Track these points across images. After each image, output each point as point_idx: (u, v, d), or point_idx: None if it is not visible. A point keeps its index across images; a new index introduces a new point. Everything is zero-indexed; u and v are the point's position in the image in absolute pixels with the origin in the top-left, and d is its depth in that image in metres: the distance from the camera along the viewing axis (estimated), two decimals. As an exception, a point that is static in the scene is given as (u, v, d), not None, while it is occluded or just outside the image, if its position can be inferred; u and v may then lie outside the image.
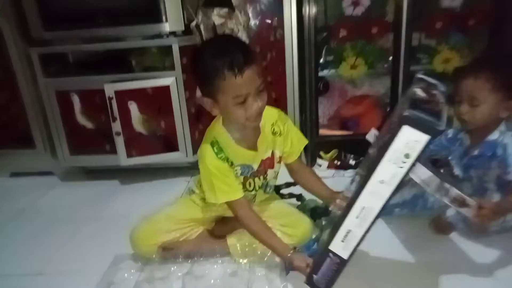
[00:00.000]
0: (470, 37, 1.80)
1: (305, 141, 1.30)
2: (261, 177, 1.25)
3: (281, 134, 1.23)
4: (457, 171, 1.37)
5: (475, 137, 1.29)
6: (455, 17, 1.78)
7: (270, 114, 1.21)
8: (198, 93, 1.14)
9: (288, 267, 1.15)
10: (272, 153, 1.24)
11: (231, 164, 1.16)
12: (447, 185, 1.02)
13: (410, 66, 1.79)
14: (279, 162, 1.28)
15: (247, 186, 1.24)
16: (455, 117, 1.28)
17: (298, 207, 1.48)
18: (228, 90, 1.02)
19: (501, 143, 1.22)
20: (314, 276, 1.05)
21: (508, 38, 1.70)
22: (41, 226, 1.62)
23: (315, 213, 1.44)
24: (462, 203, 1.03)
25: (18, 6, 1.77)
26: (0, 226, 1.63)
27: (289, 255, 1.12)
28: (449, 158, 1.39)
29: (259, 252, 1.22)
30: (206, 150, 1.14)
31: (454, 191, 1.02)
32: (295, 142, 1.27)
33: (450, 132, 1.39)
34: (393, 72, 1.83)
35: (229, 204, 1.18)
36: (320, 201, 1.53)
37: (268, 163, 1.24)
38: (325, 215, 1.45)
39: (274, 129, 1.22)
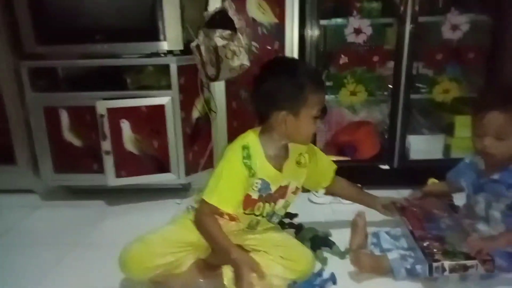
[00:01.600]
0: (468, 70, 1.82)
1: (334, 166, 1.40)
2: (272, 204, 1.24)
3: (305, 166, 1.25)
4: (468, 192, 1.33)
5: (491, 162, 1.25)
6: (454, 50, 1.79)
7: (295, 145, 1.24)
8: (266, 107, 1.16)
9: None
10: (288, 183, 1.23)
11: (252, 175, 1.15)
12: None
13: (410, 95, 1.79)
14: (294, 193, 1.27)
15: (256, 210, 1.21)
16: (477, 151, 1.24)
17: (297, 237, 1.42)
18: (310, 103, 1.11)
19: None
20: None
21: (507, 71, 1.72)
22: (22, 251, 1.50)
23: (315, 243, 1.38)
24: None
25: (12, 18, 1.70)
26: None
27: (235, 256, 1.08)
28: (462, 180, 1.35)
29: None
30: (235, 150, 1.16)
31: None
32: (326, 167, 1.37)
33: (467, 158, 1.36)
34: (393, 99, 1.82)
35: (205, 207, 1.14)
36: (319, 230, 1.48)
37: (282, 192, 1.23)
38: (325, 245, 1.40)
39: (299, 160, 1.24)
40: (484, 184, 1.26)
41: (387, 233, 1.37)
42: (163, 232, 1.25)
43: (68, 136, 1.81)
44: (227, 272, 1.17)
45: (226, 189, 1.13)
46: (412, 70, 1.79)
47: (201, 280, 1.18)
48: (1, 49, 1.75)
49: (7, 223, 1.71)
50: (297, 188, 1.27)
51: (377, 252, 1.30)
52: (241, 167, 1.13)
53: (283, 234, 1.33)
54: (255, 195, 1.19)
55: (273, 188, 1.21)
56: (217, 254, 1.25)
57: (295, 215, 1.57)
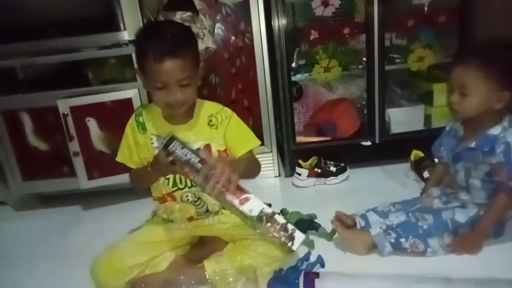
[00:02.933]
0: (442, 34, 1.77)
1: (255, 141, 1.21)
2: None
3: (218, 127, 1.17)
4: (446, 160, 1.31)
5: (469, 128, 1.23)
6: (425, 15, 1.75)
7: (211, 106, 1.20)
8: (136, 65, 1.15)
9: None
10: (207, 146, 1.15)
11: (143, 130, 1.16)
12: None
13: (384, 66, 1.74)
14: (222, 157, 1.17)
15: (178, 183, 1.16)
16: (447, 107, 1.22)
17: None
18: (149, 72, 1.05)
19: (503, 139, 1.15)
20: None
21: (479, 31, 1.68)
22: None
23: (300, 226, 1.31)
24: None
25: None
26: None
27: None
28: (441, 148, 1.32)
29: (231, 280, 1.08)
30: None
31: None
32: (240, 138, 1.19)
33: (448, 126, 1.33)
34: (368, 73, 1.77)
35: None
36: (303, 214, 1.43)
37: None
38: (311, 228, 1.35)
39: (211, 120, 1.17)
40: (461, 152, 1.23)
41: (374, 211, 1.32)
42: (130, 237, 1.21)
43: (33, 140, 1.71)
44: (209, 265, 1.11)
45: (125, 147, 1.19)
46: (385, 41, 1.74)
47: (182, 277, 1.11)
48: None
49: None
50: (219, 151, 1.17)
51: None
52: (132, 124, 1.18)
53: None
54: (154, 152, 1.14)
55: None
56: (197, 251, 1.20)
57: (269, 205, 1.49)
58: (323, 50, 1.75)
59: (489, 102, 1.14)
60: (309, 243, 1.28)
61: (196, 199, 1.18)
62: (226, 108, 1.19)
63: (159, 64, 1.01)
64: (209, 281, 1.09)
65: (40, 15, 1.61)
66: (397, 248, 1.17)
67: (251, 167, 1.19)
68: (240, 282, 1.04)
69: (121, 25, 1.60)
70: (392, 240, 1.17)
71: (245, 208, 1.01)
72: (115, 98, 1.63)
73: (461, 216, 1.19)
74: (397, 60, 1.82)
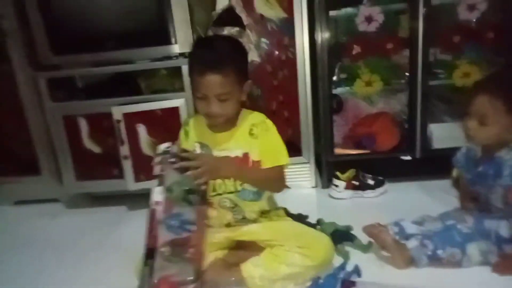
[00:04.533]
0: (489, 51, 1.74)
1: (283, 159, 1.21)
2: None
3: (258, 137, 1.19)
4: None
5: (486, 150, 1.22)
6: (472, 31, 1.72)
7: (255, 116, 1.24)
8: None
9: None
10: (246, 154, 1.19)
11: (187, 136, 1.26)
12: None
13: (428, 81, 1.73)
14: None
15: (217, 188, 1.21)
16: (463, 129, 1.22)
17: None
18: (193, 82, 1.14)
19: (509, 162, 1.14)
20: None
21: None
22: (44, 256, 1.53)
23: (336, 237, 1.34)
24: None
25: (27, 30, 1.75)
26: (4, 256, 1.56)
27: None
28: (463, 170, 1.33)
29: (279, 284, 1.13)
30: None
31: None
32: (270, 152, 1.20)
33: (464, 147, 1.32)
34: (411, 87, 1.77)
35: None
36: (340, 225, 1.44)
37: (239, 162, 1.19)
38: (347, 239, 1.36)
39: (252, 129, 1.20)
40: (475, 176, 1.24)
41: (410, 221, 1.32)
42: None
43: (88, 143, 1.85)
44: (246, 267, 1.16)
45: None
46: (429, 56, 1.73)
47: (221, 277, 1.16)
48: (19, 62, 1.80)
49: (30, 231, 1.76)
50: (255, 162, 1.20)
51: (402, 240, 1.25)
52: (182, 133, 1.28)
53: (293, 223, 1.31)
54: None
55: (216, 153, 1.19)
56: (234, 253, 1.26)
57: (306, 217, 1.52)
58: (365, 64, 1.77)
59: (506, 135, 1.14)
60: (344, 254, 1.29)
61: (233, 205, 1.23)
62: (268, 120, 1.23)
63: (200, 76, 1.09)
64: (252, 282, 1.14)
65: (99, 28, 1.76)
66: (434, 260, 1.16)
67: (268, 181, 1.21)
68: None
69: (173, 39, 1.71)
70: (429, 253, 1.17)
71: None
72: (164, 106, 1.74)
73: (505, 231, 1.16)
74: (441, 76, 1.79)
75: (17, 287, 1.34)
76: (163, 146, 1.08)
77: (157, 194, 1.03)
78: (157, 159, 1.07)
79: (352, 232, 1.41)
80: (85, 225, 1.79)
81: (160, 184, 1.04)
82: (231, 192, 1.22)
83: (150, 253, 0.99)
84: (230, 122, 1.20)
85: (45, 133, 1.88)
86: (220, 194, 1.23)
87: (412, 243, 1.20)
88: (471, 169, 1.27)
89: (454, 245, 1.16)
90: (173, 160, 1.06)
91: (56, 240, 1.68)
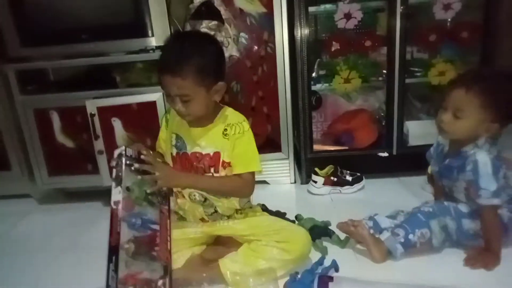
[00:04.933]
0: (464, 49, 1.78)
1: (254, 166, 1.17)
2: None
3: (230, 138, 1.17)
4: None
5: (453, 145, 1.27)
6: (448, 30, 1.76)
7: (232, 116, 1.20)
8: None
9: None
10: (216, 153, 1.17)
11: (166, 126, 1.26)
12: None
13: (405, 79, 1.76)
14: (225, 168, 1.18)
15: None
16: (436, 123, 1.24)
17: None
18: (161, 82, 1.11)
19: (472, 157, 1.17)
20: None
21: (502, 48, 1.68)
22: (15, 257, 1.48)
23: (314, 232, 1.34)
24: None
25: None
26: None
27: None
28: (432, 163, 1.38)
29: (251, 281, 1.11)
30: None
31: None
32: (241, 157, 1.17)
33: (439, 138, 1.35)
34: (388, 85, 1.79)
35: None
36: (318, 220, 1.45)
37: (209, 161, 1.18)
38: (325, 234, 1.37)
39: (226, 130, 1.18)
40: (441, 169, 1.29)
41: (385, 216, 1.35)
42: None
43: (61, 138, 1.79)
44: (224, 264, 1.15)
45: (160, 141, 1.29)
46: (406, 54, 1.75)
47: (204, 274, 1.14)
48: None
49: (0, 230, 1.69)
50: (225, 163, 1.18)
51: (376, 234, 1.27)
52: (163, 117, 1.29)
53: (270, 218, 1.30)
54: (174, 151, 1.21)
55: (189, 148, 1.19)
56: (213, 250, 1.25)
57: (284, 214, 1.51)
58: (344, 61, 1.78)
59: (478, 130, 1.17)
60: (322, 249, 1.30)
61: (203, 200, 1.21)
62: (244, 123, 1.19)
63: (161, 75, 1.08)
64: (228, 279, 1.12)
65: (72, 20, 1.70)
66: (408, 246, 1.19)
67: (232, 190, 1.19)
68: (260, 284, 1.07)
69: (149, 31, 1.67)
70: (402, 240, 1.19)
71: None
72: (140, 100, 1.70)
73: (464, 207, 1.22)
74: (418, 74, 1.83)
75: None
76: (117, 151, 1.07)
77: (116, 194, 1.01)
78: (113, 163, 1.05)
79: (330, 227, 1.41)
80: (59, 223, 1.73)
81: (118, 185, 1.02)
82: None
83: (114, 250, 0.97)
84: (206, 118, 1.18)
85: (14, 127, 1.81)
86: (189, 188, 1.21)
87: (385, 235, 1.23)
88: (439, 162, 1.32)
89: (421, 225, 1.20)
90: (129, 162, 1.05)
91: (27, 238, 1.62)
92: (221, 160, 1.17)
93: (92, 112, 1.67)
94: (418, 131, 1.86)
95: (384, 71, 1.81)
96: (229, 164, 1.18)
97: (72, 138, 1.78)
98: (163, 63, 1.08)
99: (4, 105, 1.78)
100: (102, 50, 1.71)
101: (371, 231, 1.27)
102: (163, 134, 1.27)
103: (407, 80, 1.77)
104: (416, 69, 1.84)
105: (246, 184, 1.18)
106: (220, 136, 1.17)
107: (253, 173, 1.19)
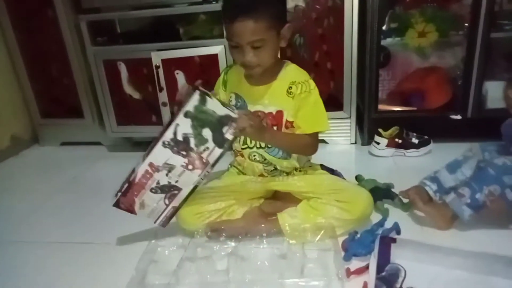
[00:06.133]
0: None
1: (322, 126, 1.15)
2: None
3: (295, 97, 1.12)
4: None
5: None
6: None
7: (297, 73, 1.15)
8: None
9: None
10: (279, 112, 1.13)
11: (225, 86, 1.23)
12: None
13: (490, 33, 1.56)
14: (288, 128, 1.15)
15: (248, 141, 1.19)
16: (504, 98, 1.10)
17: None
18: (226, 30, 1.07)
19: None
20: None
21: None
22: (87, 196, 1.61)
23: (375, 194, 1.28)
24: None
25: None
26: (49, 194, 1.64)
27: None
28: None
29: (309, 234, 1.12)
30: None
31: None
32: (308, 117, 1.13)
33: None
34: (470, 40, 1.61)
35: None
36: (380, 182, 1.40)
37: (272, 119, 1.14)
38: (387, 197, 1.32)
39: (291, 87, 1.13)
40: None
41: (445, 168, 1.26)
42: (210, 184, 1.28)
43: (128, 89, 1.86)
44: (283, 218, 1.16)
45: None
46: (494, 5, 1.55)
47: (263, 225, 1.16)
48: (63, 7, 1.79)
49: (74, 172, 1.84)
50: (288, 122, 1.14)
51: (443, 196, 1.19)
52: (220, 80, 1.24)
53: (331, 177, 1.27)
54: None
55: (250, 107, 1.15)
56: (270, 203, 1.26)
57: (333, 171, 1.44)
58: (420, 13, 1.62)
59: None
60: (384, 211, 1.26)
61: (263, 159, 1.21)
62: (310, 81, 1.14)
63: (230, 23, 1.00)
64: (287, 232, 1.14)
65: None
66: (476, 207, 1.09)
67: (299, 148, 1.17)
68: (318, 239, 1.07)
69: (213, -19, 1.63)
70: (468, 200, 1.09)
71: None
72: (202, 53, 1.70)
73: None
74: (506, 27, 1.62)
75: (61, 226, 1.41)
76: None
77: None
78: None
79: (392, 190, 1.36)
80: (125, 169, 1.83)
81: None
82: (261, 147, 1.19)
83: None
84: (269, 74, 1.13)
85: (87, 78, 1.91)
86: (250, 148, 1.20)
87: (450, 197, 1.13)
88: None
89: (490, 181, 1.08)
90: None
91: (98, 182, 1.74)
92: (284, 119, 1.14)
93: (157, 64, 1.70)
94: (499, 93, 1.67)
95: (466, 25, 1.62)
96: (291, 124, 1.15)
97: (138, 89, 1.85)
98: (232, 10, 1.01)
99: (78, 56, 1.88)
100: (166, 1, 1.71)
101: (437, 195, 1.20)
102: (222, 95, 1.23)
103: (493, 35, 1.58)
104: (505, 22, 1.63)
105: (313, 143, 1.16)
106: (284, 94, 1.13)
107: (318, 133, 1.16)
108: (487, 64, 1.63)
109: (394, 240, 0.97)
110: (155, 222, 1.16)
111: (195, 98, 1.00)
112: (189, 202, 1.19)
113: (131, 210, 1.15)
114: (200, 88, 1.00)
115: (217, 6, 1.64)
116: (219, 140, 1.05)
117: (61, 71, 1.95)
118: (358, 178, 1.45)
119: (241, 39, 1.01)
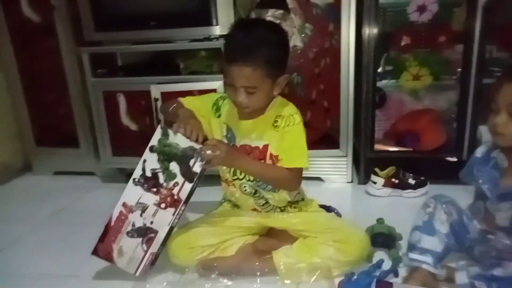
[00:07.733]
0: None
1: (301, 162, 1.11)
2: None
3: (279, 130, 1.12)
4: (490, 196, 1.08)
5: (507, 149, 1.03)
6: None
7: (284, 108, 1.14)
8: None
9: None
10: (265, 146, 1.13)
11: (218, 115, 1.20)
12: None
13: (482, 79, 1.61)
14: (274, 162, 1.13)
15: (238, 173, 1.17)
16: (489, 130, 1.03)
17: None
18: (223, 67, 1.08)
19: None
20: None
21: None
22: (76, 228, 1.57)
23: (377, 241, 1.24)
24: None
25: (73, 6, 1.78)
26: (38, 225, 1.60)
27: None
28: (480, 181, 1.10)
29: (304, 274, 1.08)
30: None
31: None
32: (288, 150, 1.11)
33: (479, 152, 1.13)
34: (462, 85, 1.65)
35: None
36: (386, 228, 1.31)
37: (258, 154, 1.14)
38: (388, 246, 1.24)
39: (276, 121, 1.12)
40: (507, 191, 1.03)
41: (421, 232, 1.11)
42: (204, 218, 1.26)
43: (125, 120, 1.87)
44: (278, 257, 1.13)
45: (197, 102, 1.25)
46: (485, 53, 1.61)
47: (257, 264, 1.13)
48: (65, 38, 1.84)
49: (65, 202, 1.80)
50: (273, 156, 1.13)
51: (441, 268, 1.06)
52: (213, 99, 1.22)
53: (328, 215, 1.26)
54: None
55: (238, 140, 1.16)
56: (265, 240, 1.23)
57: (328, 207, 1.42)
58: (414, 57, 1.67)
59: None
60: (396, 258, 1.17)
61: (253, 191, 1.19)
62: (296, 115, 1.13)
63: (228, 65, 1.03)
64: (281, 271, 1.10)
65: (143, 6, 1.76)
66: None
67: (279, 181, 1.14)
68: (313, 279, 1.03)
69: (214, 20, 1.68)
70: None
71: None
72: (201, 88, 1.72)
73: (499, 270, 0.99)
74: (497, 74, 1.67)
75: (48, 258, 1.37)
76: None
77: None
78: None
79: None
80: (117, 200, 1.80)
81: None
82: (250, 180, 1.17)
83: None
84: (259, 111, 1.13)
85: (85, 107, 1.93)
86: (240, 179, 1.19)
87: (460, 277, 1.02)
88: (497, 182, 1.05)
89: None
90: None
91: (88, 212, 1.71)
92: (268, 152, 1.14)
93: (156, 97, 1.72)
94: (493, 137, 1.70)
95: (458, 69, 1.68)
96: (276, 157, 1.14)
97: (135, 121, 1.86)
98: (232, 52, 1.03)
99: (78, 87, 1.90)
100: (168, 37, 1.75)
101: (438, 267, 1.05)
102: (212, 120, 1.21)
103: (485, 81, 1.62)
104: (495, 69, 1.68)
105: (293, 178, 1.13)
106: (270, 127, 1.13)
107: (301, 168, 1.13)
108: (480, 108, 1.67)
109: (390, 285, 0.94)
110: (135, 273, 1.11)
111: (158, 132, 1.06)
112: (181, 235, 1.17)
113: (110, 259, 1.12)
114: (162, 124, 1.06)
115: (217, 44, 1.69)
116: (188, 174, 1.06)
117: (59, 99, 1.96)
118: (378, 221, 1.35)
119: (236, 82, 1.03)
